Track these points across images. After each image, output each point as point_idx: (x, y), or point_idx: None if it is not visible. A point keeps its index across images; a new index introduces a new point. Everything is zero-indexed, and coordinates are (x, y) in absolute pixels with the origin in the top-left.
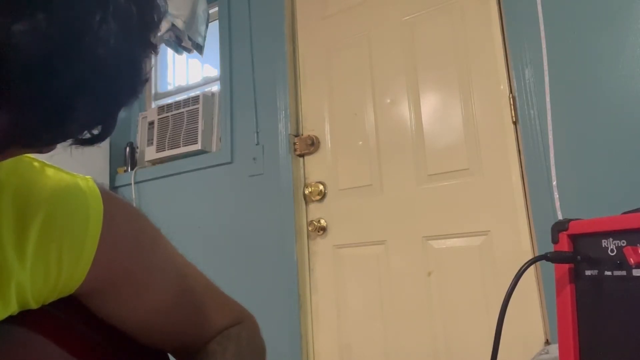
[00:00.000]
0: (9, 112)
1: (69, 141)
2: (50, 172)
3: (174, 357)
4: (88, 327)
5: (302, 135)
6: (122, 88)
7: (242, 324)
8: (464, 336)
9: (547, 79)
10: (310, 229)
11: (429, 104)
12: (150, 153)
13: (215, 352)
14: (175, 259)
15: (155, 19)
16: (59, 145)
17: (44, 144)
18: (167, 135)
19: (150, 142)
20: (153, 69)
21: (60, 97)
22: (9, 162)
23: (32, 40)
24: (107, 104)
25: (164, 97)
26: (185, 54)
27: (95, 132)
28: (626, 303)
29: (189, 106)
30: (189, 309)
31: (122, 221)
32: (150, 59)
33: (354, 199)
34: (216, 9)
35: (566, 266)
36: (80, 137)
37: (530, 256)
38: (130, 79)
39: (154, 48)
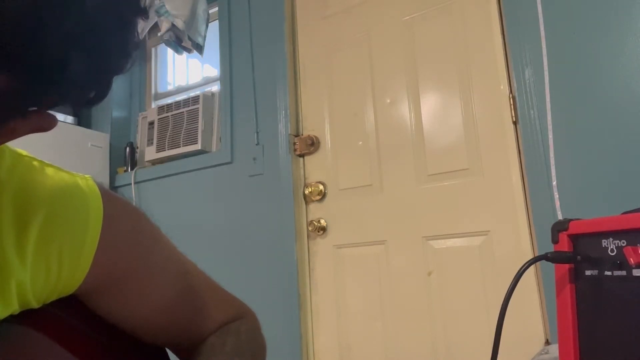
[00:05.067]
0: (2, 71)
1: (68, 105)
2: (49, 171)
3: (174, 352)
4: (88, 326)
5: (302, 135)
6: (113, 45)
7: (243, 320)
8: (464, 336)
9: (547, 79)
10: (310, 229)
11: (429, 104)
12: (150, 153)
13: (214, 346)
14: (175, 256)
15: None
16: (58, 141)
17: (43, 107)
18: (167, 135)
19: (150, 142)
20: (153, 68)
21: (51, 52)
22: (9, 161)
23: None
24: (99, 61)
25: (164, 97)
26: (185, 54)
27: (91, 94)
28: (626, 303)
29: (189, 106)
30: (189, 306)
31: (121, 220)
32: (142, 24)
33: (354, 199)
34: (216, 9)
35: (566, 266)
36: (75, 100)
37: (530, 256)
38: (120, 36)
39: (143, 11)
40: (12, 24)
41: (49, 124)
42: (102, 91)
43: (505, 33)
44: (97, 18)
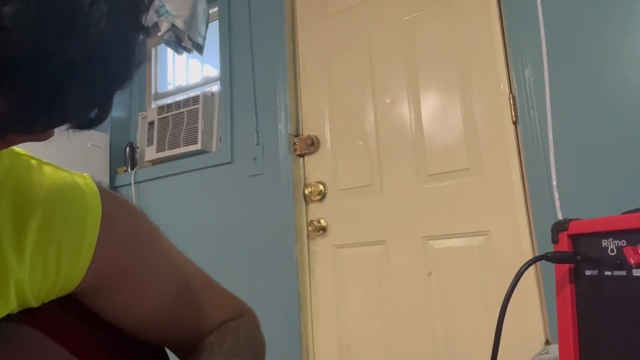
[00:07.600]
0: (3, 96)
1: (67, 127)
2: (48, 170)
3: (173, 351)
4: (87, 325)
5: (302, 135)
6: (116, 70)
7: (242, 319)
8: (464, 336)
9: (547, 79)
10: (310, 229)
11: (429, 104)
12: (150, 153)
13: (212, 345)
14: (173, 255)
15: (145, 1)
16: (58, 141)
17: (41, 129)
18: (167, 135)
19: (150, 142)
20: (153, 68)
21: (53, 80)
22: (6, 160)
23: (23, 22)
24: (101, 87)
25: (164, 97)
26: (185, 54)
27: (91, 115)
28: (626, 303)
29: (189, 106)
30: (187, 305)
31: (120, 219)
32: (144, 41)
33: (354, 199)
34: (216, 9)
35: (566, 266)
36: (76, 121)
37: (530, 256)
38: (123, 61)
39: (145, 30)
40: (14, 49)
41: (45, 136)
42: (104, 112)
43: (505, 33)
44: (101, 46)
